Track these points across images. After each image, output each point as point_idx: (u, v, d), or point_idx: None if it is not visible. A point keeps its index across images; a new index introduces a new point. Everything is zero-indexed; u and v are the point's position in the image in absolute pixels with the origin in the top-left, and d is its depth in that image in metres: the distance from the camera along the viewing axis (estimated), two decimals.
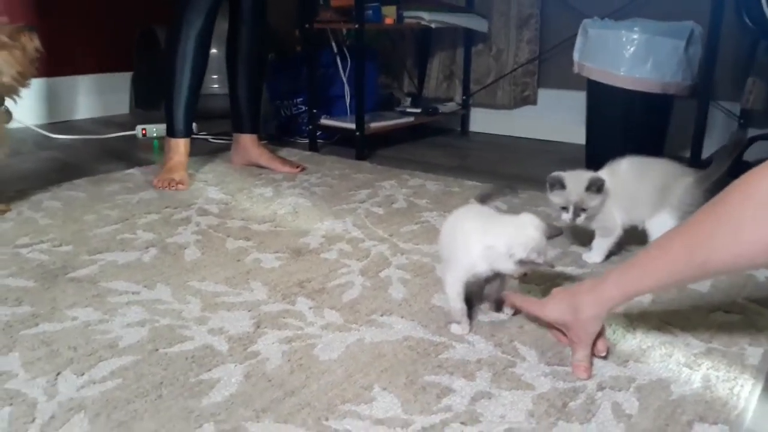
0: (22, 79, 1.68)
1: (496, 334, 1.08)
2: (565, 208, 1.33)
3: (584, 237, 1.50)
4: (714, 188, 1.16)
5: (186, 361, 0.99)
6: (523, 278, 1.12)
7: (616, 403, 0.89)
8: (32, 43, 1.68)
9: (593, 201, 1.32)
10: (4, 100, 1.67)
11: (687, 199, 1.32)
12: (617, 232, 1.38)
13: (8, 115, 1.68)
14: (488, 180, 2.07)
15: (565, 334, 1.01)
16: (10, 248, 1.44)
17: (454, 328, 1.09)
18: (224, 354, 1.01)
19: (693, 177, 1.35)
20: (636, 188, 1.35)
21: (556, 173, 1.34)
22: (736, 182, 0.82)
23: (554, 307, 1.00)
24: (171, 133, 2.01)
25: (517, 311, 1.14)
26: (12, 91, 1.67)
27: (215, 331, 1.08)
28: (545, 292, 1.24)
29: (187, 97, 1.97)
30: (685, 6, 2.16)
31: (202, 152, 2.34)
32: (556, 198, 1.34)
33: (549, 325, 1.05)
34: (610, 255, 1.41)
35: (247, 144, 2.20)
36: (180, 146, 2.01)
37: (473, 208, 1.20)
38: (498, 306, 1.15)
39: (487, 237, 1.06)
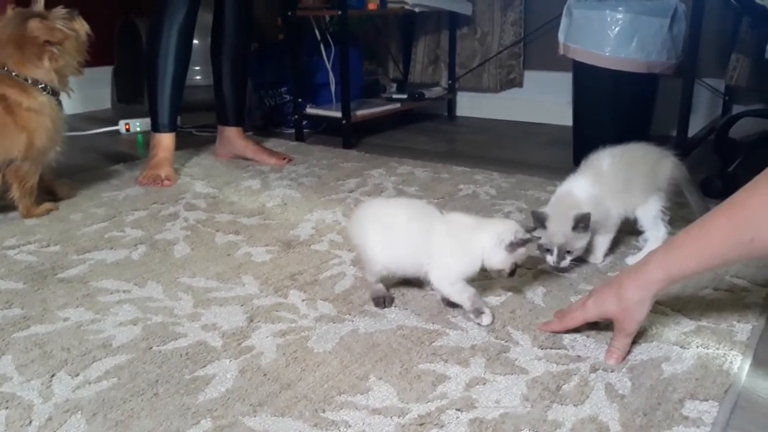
0: (81, 68, 1.67)
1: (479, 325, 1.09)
2: (549, 250, 1.23)
3: None
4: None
5: (180, 358, 0.99)
6: (512, 275, 1.11)
7: (609, 384, 0.90)
8: (83, 27, 1.65)
9: (580, 241, 1.23)
10: (60, 93, 1.64)
11: (675, 178, 1.33)
12: (617, 226, 1.33)
13: (60, 108, 1.65)
14: (477, 165, 2.07)
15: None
16: None
17: (485, 320, 1.07)
18: (218, 350, 1.01)
19: (673, 156, 1.35)
20: (625, 179, 1.30)
21: (539, 211, 1.25)
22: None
23: (595, 301, 0.97)
24: (155, 127, 1.99)
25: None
26: (67, 84, 1.65)
27: (209, 327, 1.08)
28: (536, 275, 1.26)
29: (171, 90, 1.95)
30: None
31: (186, 146, 2.33)
32: (542, 238, 1.23)
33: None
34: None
35: (233, 136, 2.18)
36: (165, 141, 1.99)
37: (425, 208, 1.18)
38: (451, 303, 1.13)
39: (480, 234, 1.08)
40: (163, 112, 1.97)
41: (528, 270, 1.28)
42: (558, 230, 1.21)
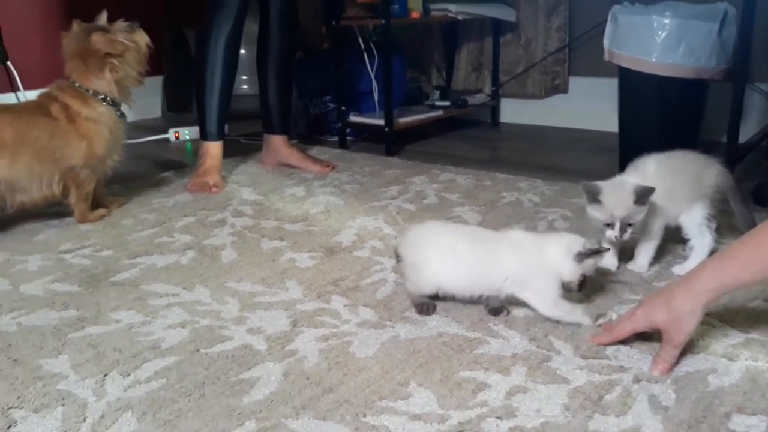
0: (142, 79, 1.75)
1: (531, 329, 1.08)
2: (609, 224, 1.21)
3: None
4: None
5: (226, 360, 1.02)
6: (581, 288, 1.12)
7: (652, 396, 0.89)
8: (144, 39, 1.73)
9: (640, 214, 1.21)
10: (121, 104, 1.72)
11: (720, 186, 1.30)
12: (661, 234, 1.31)
13: (123, 119, 1.73)
14: (520, 172, 2.06)
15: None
16: (54, 254, 1.49)
17: (587, 321, 1.09)
18: (263, 353, 1.04)
19: (719, 164, 1.32)
20: (671, 186, 1.27)
21: (592, 183, 1.22)
22: None
23: (645, 311, 0.96)
24: (204, 136, 2.04)
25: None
26: (129, 95, 1.73)
27: (254, 331, 1.11)
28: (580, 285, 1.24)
29: (219, 100, 2.00)
30: None
31: (233, 153, 2.38)
32: (596, 212, 1.22)
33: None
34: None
35: (278, 144, 2.23)
36: (213, 149, 2.04)
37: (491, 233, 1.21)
38: (496, 311, 1.14)
39: (548, 247, 1.11)
40: (211, 121, 2.02)
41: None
42: (619, 203, 1.19)
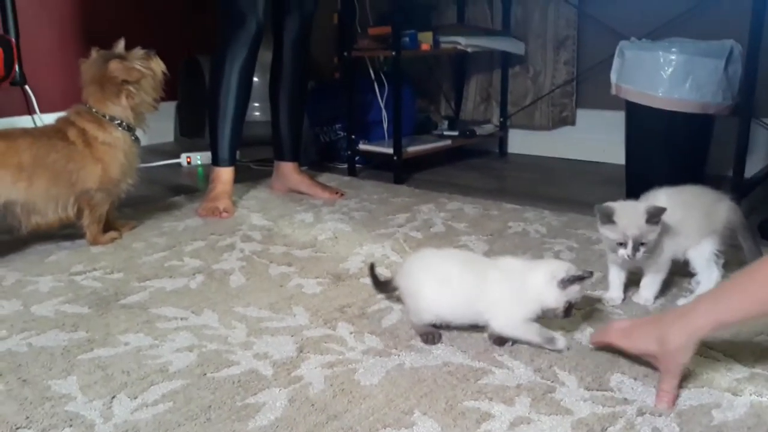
0: (156, 105, 1.79)
1: (536, 360, 1.09)
2: (622, 244, 1.23)
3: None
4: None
5: (233, 385, 1.03)
6: (567, 315, 1.12)
7: (656, 429, 0.89)
8: (159, 66, 1.77)
9: (653, 234, 1.22)
10: (136, 129, 1.76)
11: (731, 222, 1.31)
12: (668, 267, 1.32)
13: (137, 143, 1.77)
14: (527, 202, 2.08)
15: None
16: (65, 275, 1.51)
17: (560, 343, 1.11)
18: (269, 378, 1.05)
19: (730, 200, 1.33)
20: (681, 219, 1.28)
21: (605, 205, 1.24)
22: None
23: (640, 338, 0.98)
24: (215, 161, 2.07)
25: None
26: (144, 120, 1.77)
27: (260, 356, 1.12)
28: (585, 316, 1.25)
29: (231, 126, 2.03)
30: (724, 24, 2.15)
31: (244, 179, 2.41)
32: (609, 233, 1.24)
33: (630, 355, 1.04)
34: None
35: (288, 171, 2.26)
36: (224, 175, 2.07)
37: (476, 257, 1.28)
38: (500, 341, 1.14)
39: (532, 274, 1.12)
40: (223, 147, 2.05)
41: (577, 310, 1.28)
42: (632, 223, 1.21)
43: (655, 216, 1.21)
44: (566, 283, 1.09)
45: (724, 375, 1.02)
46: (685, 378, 1.01)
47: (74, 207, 1.66)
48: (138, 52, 1.73)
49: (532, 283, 1.11)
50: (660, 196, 1.31)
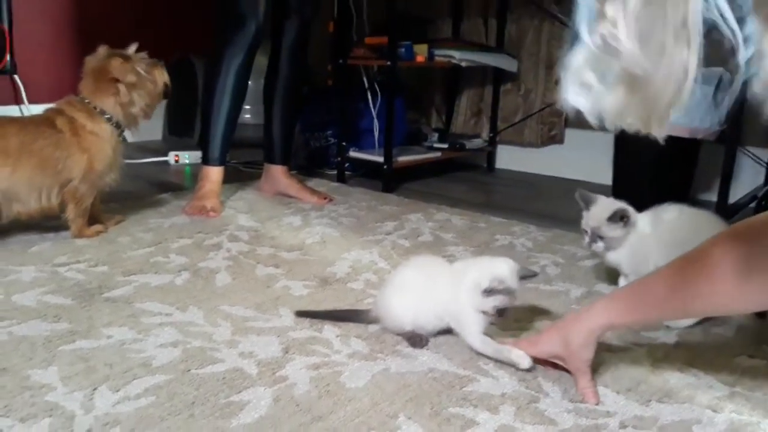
0: (149, 111, 1.77)
1: (521, 370, 1.09)
2: (586, 232, 1.34)
3: (610, 276, 1.51)
4: None
5: (217, 382, 1.02)
6: (499, 318, 1.12)
7: None
8: (162, 77, 1.77)
9: (613, 232, 1.30)
10: (124, 130, 1.75)
11: None
12: None
13: (123, 141, 1.76)
14: (514, 217, 2.09)
15: (555, 365, 1.06)
16: (49, 266, 1.49)
17: (524, 363, 1.07)
18: (254, 377, 1.04)
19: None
20: (684, 237, 1.26)
21: (587, 193, 1.34)
22: (716, 237, 0.89)
23: (545, 342, 1.05)
24: (206, 160, 2.06)
25: None
26: (135, 122, 1.76)
27: (245, 355, 1.11)
28: None
29: (224, 126, 2.03)
30: (715, 52, 2.19)
31: (233, 180, 2.40)
32: (582, 219, 1.34)
33: (543, 362, 1.08)
34: None
35: (278, 174, 2.26)
36: (213, 174, 2.06)
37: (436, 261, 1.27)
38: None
39: (463, 278, 1.13)
40: (215, 146, 2.04)
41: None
42: (595, 215, 1.31)
43: (615, 216, 1.29)
44: (489, 293, 1.08)
45: (705, 392, 1.04)
46: (667, 394, 1.02)
47: (58, 197, 1.65)
48: (145, 57, 1.73)
49: (463, 290, 1.11)
50: (669, 211, 1.35)
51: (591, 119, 0.53)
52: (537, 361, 1.09)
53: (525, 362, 1.07)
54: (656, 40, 0.46)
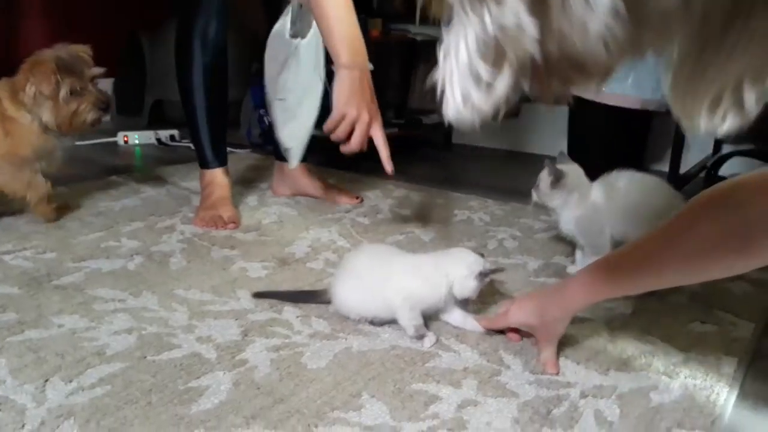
0: (63, 130, 1.61)
1: (482, 344, 1.10)
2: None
3: (567, 248, 1.53)
4: None
5: (175, 368, 0.99)
6: (479, 298, 1.15)
7: (598, 411, 0.91)
8: (86, 116, 1.61)
9: (552, 195, 1.35)
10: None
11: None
12: (607, 250, 1.33)
13: (52, 134, 1.62)
14: (472, 192, 2.10)
15: (518, 332, 1.09)
16: None
17: (427, 343, 1.09)
18: (213, 362, 1.02)
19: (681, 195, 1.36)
20: (637, 202, 1.32)
21: (551, 163, 1.36)
22: (689, 205, 0.88)
23: (518, 311, 1.05)
24: (204, 163, 1.76)
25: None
26: (49, 129, 1.61)
27: (203, 339, 1.09)
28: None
29: (215, 117, 1.74)
30: None
31: (186, 160, 2.34)
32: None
33: (511, 330, 1.10)
34: None
35: (295, 174, 1.95)
36: (219, 177, 1.76)
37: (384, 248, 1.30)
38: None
39: (445, 269, 1.12)
40: (207, 145, 1.75)
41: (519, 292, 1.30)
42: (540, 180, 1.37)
43: (556, 180, 1.33)
44: (483, 276, 1.11)
45: (660, 359, 1.06)
46: (625, 363, 1.05)
47: None
48: (92, 89, 1.60)
49: (444, 273, 1.12)
50: (622, 177, 1.36)
51: (476, 116, 0.48)
52: (502, 330, 1.11)
53: (428, 342, 1.09)
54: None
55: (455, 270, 1.11)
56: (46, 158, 1.64)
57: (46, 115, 1.58)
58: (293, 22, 1.60)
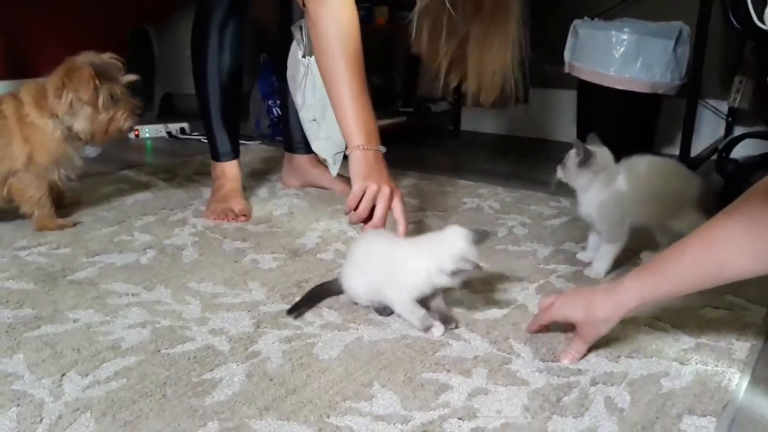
0: (95, 138, 1.60)
1: (491, 332, 1.11)
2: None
3: (578, 234, 1.53)
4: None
5: (188, 361, 1.01)
6: (465, 285, 1.14)
7: (608, 398, 0.92)
8: (124, 123, 1.60)
9: (577, 173, 1.31)
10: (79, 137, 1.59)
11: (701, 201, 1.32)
12: (625, 238, 1.32)
13: (75, 140, 1.60)
14: (481, 179, 2.10)
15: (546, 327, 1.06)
16: (9, 251, 1.45)
17: (436, 333, 1.09)
18: (226, 354, 1.03)
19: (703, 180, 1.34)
20: (658, 190, 1.29)
21: (580, 143, 1.30)
22: (754, 188, 0.84)
23: (563, 304, 1.02)
24: (215, 156, 1.79)
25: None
26: (79, 138, 1.59)
27: (216, 332, 1.10)
28: (539, 290, 1.27)
29: (227, 109, 1.76)
30: (674, 6, 2.19)
31: (197, 153, 2.36)
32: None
33: (541, 327, 1.08)
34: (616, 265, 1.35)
35: (304, 164, 1.97)
36: (230, 170, 1.78)
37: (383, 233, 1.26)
38: (445, 320, 1.12)
39: (420, 259, 1.10)
40: (222, 137, 1.77)
41: (530, 284, 1.30)
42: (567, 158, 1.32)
43: (585, 160, 1.29)
44: (457, 273, 1.07)
45: (671, 345, 1.06)
46: (635, 350, 1.05)
47: (4, 188, 1.55)
48: (121, 88, 1.58)
49: (420, 268, 1.10)
50: (641, 163, 1.32)
51: None
52: (541, 328, 1.09)
53: (437, 331, 1.09)
54: None
55: (427, 265, 1.09)
56: (65, 165, 1.61)
57: (82, 123, 1.55)
58: (303, 43, 1.60)
